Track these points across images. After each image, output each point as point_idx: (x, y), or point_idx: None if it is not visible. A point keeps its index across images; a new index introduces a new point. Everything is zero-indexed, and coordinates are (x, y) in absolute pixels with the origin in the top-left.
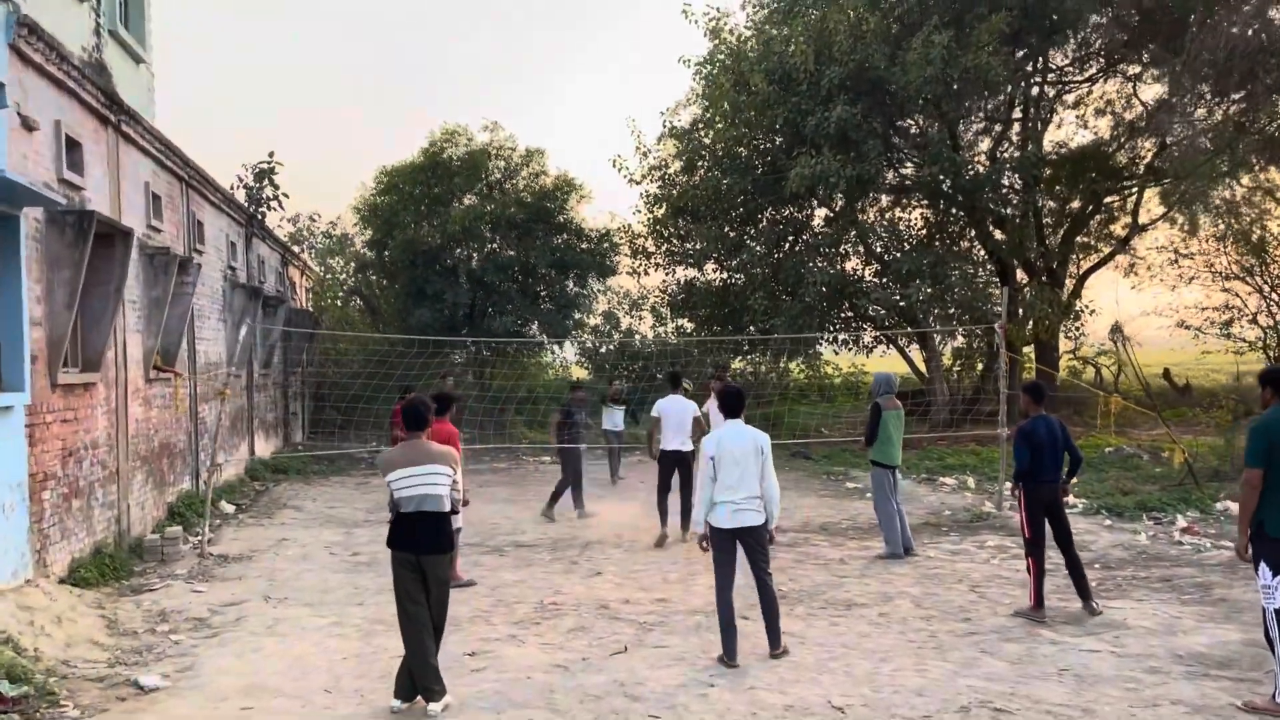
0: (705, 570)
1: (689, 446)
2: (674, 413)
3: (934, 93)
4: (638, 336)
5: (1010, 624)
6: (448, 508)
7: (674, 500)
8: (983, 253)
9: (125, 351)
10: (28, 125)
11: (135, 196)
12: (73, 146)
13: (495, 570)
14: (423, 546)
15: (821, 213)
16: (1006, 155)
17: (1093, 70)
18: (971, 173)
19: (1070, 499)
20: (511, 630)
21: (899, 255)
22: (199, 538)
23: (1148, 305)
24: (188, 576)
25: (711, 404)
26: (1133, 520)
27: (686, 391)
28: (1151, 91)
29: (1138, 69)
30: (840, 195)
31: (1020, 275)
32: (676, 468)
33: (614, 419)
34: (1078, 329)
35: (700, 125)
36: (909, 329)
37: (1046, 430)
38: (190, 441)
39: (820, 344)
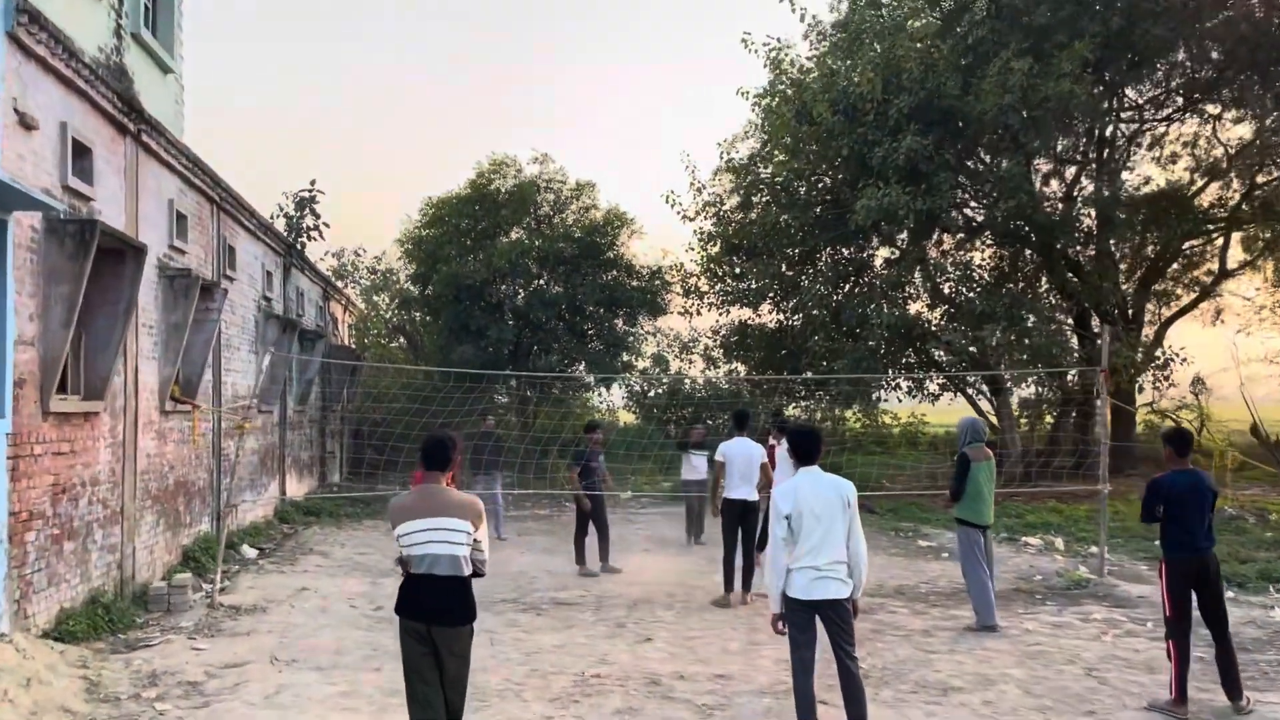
0: (771, 640)
1: (755, 495)
2: (740, 457)
3: (1011, 123)
4: (687, 381)
5: None
6: (466, 571)
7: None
8: (1056, 297)
9: (137, 379)
10: (25, 123)
11: (156, 214)
12: (82, 153)
13: (532, 632)
14: (434, 615)
15: (883, 253)
16: (1080, 195)
17: (1169, 110)
18: (1049, 209)
19: None
20: (547, 710)
21: (972, 296)
22: (211, 586)
23: (1254, 353)
24: (191, 631)
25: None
26: (1258, 592)
27: (753, 434)
28: (1233, 132)
29: (1218, 108)
30: (907, 231)
31: (1095, 322)
32: (742, 520)
33: (697, 467)
34: (1165, 378)
35: (758, 159)
36: (979, 375)
37: (1191, 487)
38: (211, 480)
39: (882, 390)
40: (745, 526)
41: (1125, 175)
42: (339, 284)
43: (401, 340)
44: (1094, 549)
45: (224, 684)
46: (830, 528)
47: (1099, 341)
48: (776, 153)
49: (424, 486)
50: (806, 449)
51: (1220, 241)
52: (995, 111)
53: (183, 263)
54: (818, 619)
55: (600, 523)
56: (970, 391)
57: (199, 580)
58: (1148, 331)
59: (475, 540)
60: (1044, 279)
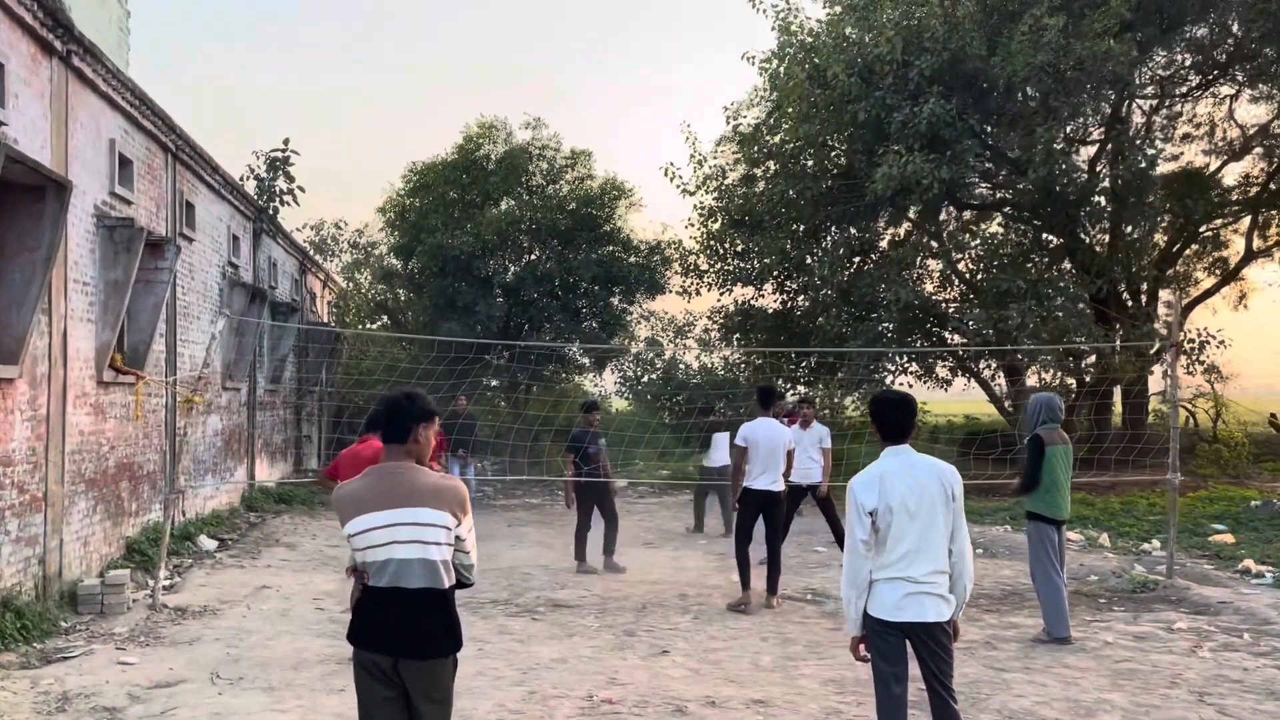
0: (808, 650)
1: (780, 485)
2: (765, 441)
3: (1043, 86)
4: (682, 365)
5: None
6: (446, 582)
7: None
8: (1078, 278)
9: (66, 344)
10: None
11: (92, 154)
12: None
13: (527, 642)
14: (402, 645)
15: (890, 232)
16: (1103, 173)
17: (1185, 89)
18: (1081, 180)
19: (1253, 566)
20: None
21: (994, 273)
22: (155, 584)
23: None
24: (124, 639)
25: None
26: None
27: (778, 414)
28: (1249, 112)
29: (1234, 89)
30: (922, 204)
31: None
32: (763, 512)
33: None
34: (1200, 362)
35: (765, 127)
36: (1003, 357)
37: None
38: (165, 462)
39: (891, 375)
40: (768, 520)
41: (1148, 153)
42: (318, 258)
43: (384, 318)
44: (1146, 545)
45: (149, 710)
46: (929, 528)
47: (1116, 327)
48: (785, 121)
49: (381, 467)
50: (896, 422)
51: (1247, 222)
52: (1026, 72)
53: (127, 213)
54: (908, 645)
55: (608, 512)
56: (987, 376)
57: (144, 576)
58: (1166, 314)
59: (458, 538)
60: (1066, 260)
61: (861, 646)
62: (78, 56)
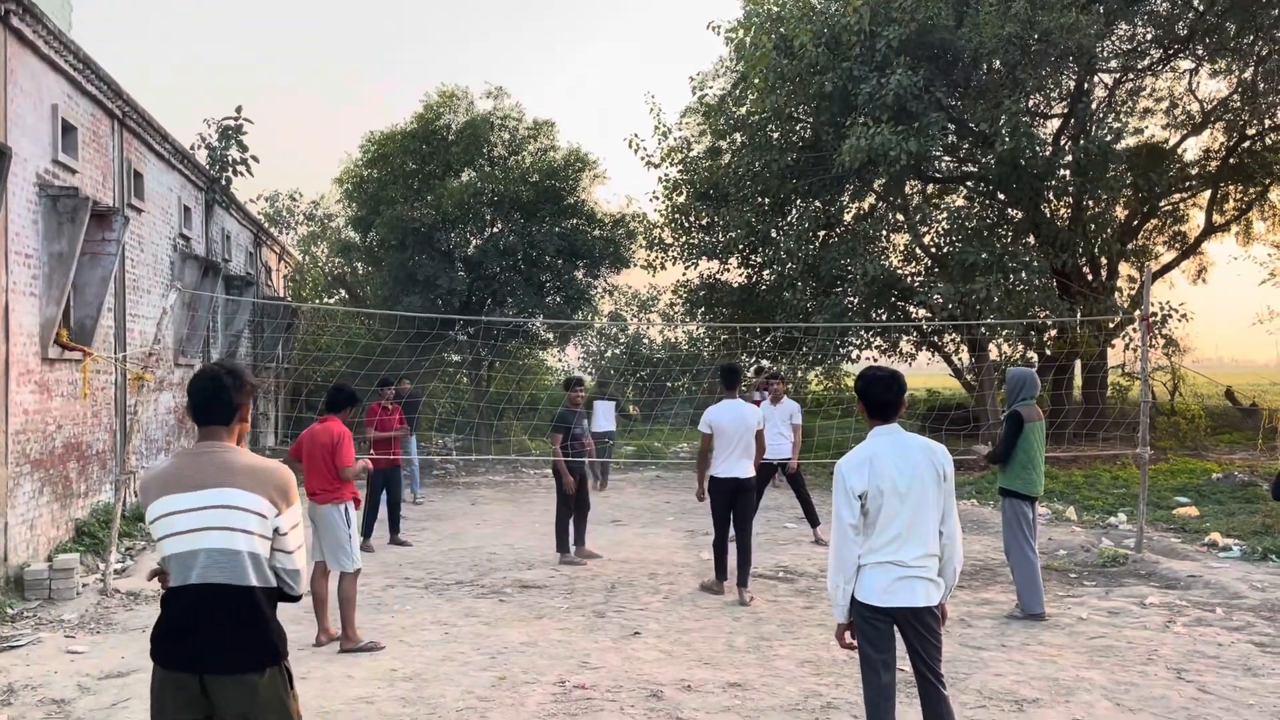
0: (782, 630)
1: (750, 472)
2: (731, 425)
3: (1009, 58)
4: (646, 340)
5: None
6: (252, 579)
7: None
8: (1042, 252)
9: (8, 318)
10: None
11: (33, 119)
12: None
13: (495, 624)
14: (207, 656)
15: (855, 205)
16: (1067, 146)
17: (1145, 63)
18: (1045, 154)
19: (1219, 539)
20: None
21: (959, 246)
22: (105, 568)
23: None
24: (74, 625)
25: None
26: None
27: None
28: (1209, 87)
29: (1194, 63)
30: (888, 177)
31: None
32: (733, 501)
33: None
34: (1163, 335)
35: (730, 100)
36: (967, 330)
37: None
38: (114, 441)
39: (856, 350)
40: (738, 509)
41: (1113, 127)
42: (273, 231)
43: (342, 292)
44: (1112, 519)
45: (99, 702)
46: (920, 510)
47: (1078, 300)
48: (751, 92)
49: (194, 447)
50: (884, 400)
51: (1207, 197)
52: (994, 44)
53: (71, 182)
54: (897, 630)
55: (580, 498)
56: (949, 350)
57: (95, 560)
58: (1128, 287)
59: (277, 531)
60: (1030, 234)
61: (848, 634)
62: (16, 16)
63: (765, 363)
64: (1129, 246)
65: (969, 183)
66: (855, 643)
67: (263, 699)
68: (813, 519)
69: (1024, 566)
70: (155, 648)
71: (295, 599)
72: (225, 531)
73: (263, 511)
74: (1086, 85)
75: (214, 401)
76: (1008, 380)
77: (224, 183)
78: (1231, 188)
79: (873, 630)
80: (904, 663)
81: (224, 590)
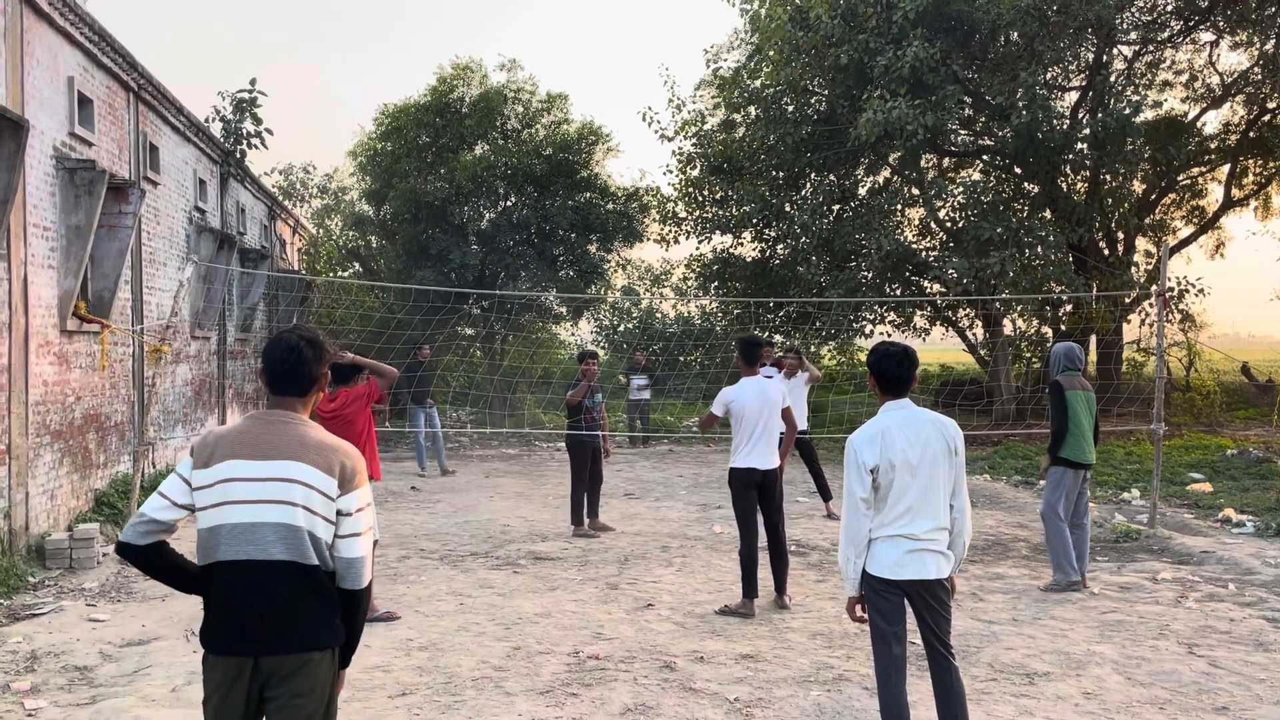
0: (798, 606)
1: (777, 460)
2: (753, 404)
3: (1028, 30)
4: (659, 315)
5: None
6: (312, 558)
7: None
8: (1058, 227)
9: (27, 291)
10: None
11: (50, 92)
12: None
13: (509, 595)
14: (264, 637)
15: (870, 180)
16: (1085, 119)
17: (1165, 35)
18: (1063, 128)
19: (1233, 515)
20: (536, 708)
21: (974, 220)
22: None
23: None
24: (94, 594)
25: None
26: None
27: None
28: (1230, 59)
29: (1214, 36)
30: (904, 151)
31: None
32: (761, 493)
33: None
34: (1181, 311)
35: (745, 72)
36: (981, 305)
37: None
38: (133, 413)
39: (870, 324)
40: (766, 502)
41: (1132, 100)
42: (287, 204)
43: (356, 266)
44: (1125, 495)
45: (121, 670)
46: (931, 484)
47: (1095, 276)
48: (765, 65)
49: (266, 413)
50: (896, 376)
51: (1226, 171)
52: (1011, 15)
53: (88, 155)
54: (908, 604)
55: (594, 471)
56: (963, 325)
57: (114, 530)
58: (1144, 262)
59: (340, 512)
60: (1046, 209)
61: (859, 607)
62: None
63: (778, 338)
64: (1146, 221)
65: (985, 156)
66: (866, 616)
67: (316, 680)
68: (825, 493)
69: (1057, 534)
70: (207, 634)
71: (355, 590)
72: (287, 506)
73: (329, 492)
74: (1105, 57)
75: (293, 374)
76: (1050, 355)
77: (238, 155)
78: (1251, 162)
79: (884, 603)
80: (914, 635)
81: (287, 567)
